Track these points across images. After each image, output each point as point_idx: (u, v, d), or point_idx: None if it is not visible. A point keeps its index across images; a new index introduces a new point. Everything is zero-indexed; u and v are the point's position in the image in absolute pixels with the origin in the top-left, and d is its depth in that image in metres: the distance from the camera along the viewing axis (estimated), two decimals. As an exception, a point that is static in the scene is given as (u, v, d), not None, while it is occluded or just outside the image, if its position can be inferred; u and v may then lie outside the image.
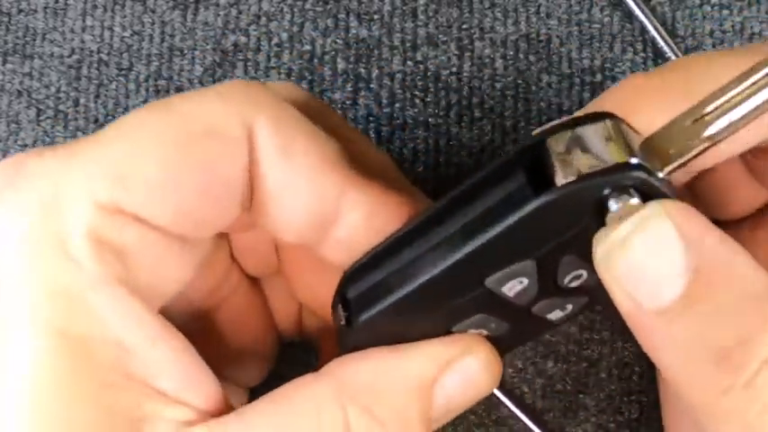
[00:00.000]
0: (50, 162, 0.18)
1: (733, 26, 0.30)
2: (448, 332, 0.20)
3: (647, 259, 0.16)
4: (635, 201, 0.16)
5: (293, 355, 0.27)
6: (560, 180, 0.16)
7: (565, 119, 0.17)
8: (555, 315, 0.21)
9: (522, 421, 0.29)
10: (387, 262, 0.19)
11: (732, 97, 0.17)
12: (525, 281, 0.19)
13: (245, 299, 0.24)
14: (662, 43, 0.30)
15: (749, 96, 0.17)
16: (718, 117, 0.17)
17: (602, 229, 0.17)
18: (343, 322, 0.20)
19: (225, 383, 0.20)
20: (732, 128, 0.17)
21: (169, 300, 0.20)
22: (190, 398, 0.18)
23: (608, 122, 0.17)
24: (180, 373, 0.18)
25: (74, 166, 0.18)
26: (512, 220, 0.17)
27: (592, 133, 0.17)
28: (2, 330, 0.17)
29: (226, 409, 0.19)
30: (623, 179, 0.16)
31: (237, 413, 0.19)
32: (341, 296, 0.20)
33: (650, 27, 0.30)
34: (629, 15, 0.31)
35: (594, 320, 0.29)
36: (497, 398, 0.29)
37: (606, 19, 0.31)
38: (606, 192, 0.17)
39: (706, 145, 0.17)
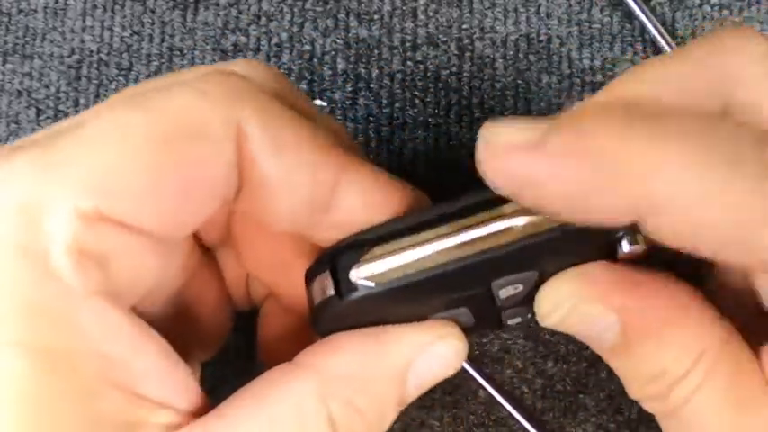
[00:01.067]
0: (25, 165, 0.17)
1: (733, 26, 0.30)
2: (424, 318, 0.21)
3: (582, 329, 0.20)
4: (642, 247, 0.18)
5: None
6: None
7: None
8: (513, 321, 0.22)
9: (521, 421, 0.29)
10: (393, 244, 0.19)
11: None
12: (520, 287, 0.20)
13: (203, 272, 0.24)
14: (662, 43, 0.30)
15: None
16: None
17: (542, 294, 0.20)
18: (331, 292, 0.19)
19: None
20: None
21: (146, 294, 0.20)
22: (173, 401, 0.18)
23: None
24: (163, 378, 0.18)
25: (50, 169, 0.17)
26: (539, 238, 0.18)
27: None
28: None
29: (206, 407, 0.19)
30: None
31: (218, 413, 0.19)
32: (330, 266, 0.19)
33: (650, 27, 0.30)
34: (629, 15, 0.31)
35: (594, 320, 0.29)
36: (492, 395, 0.29)
37: (606, 19, 0.31)
38: (621, 233, 0.18)
39: None
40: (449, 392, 0.29)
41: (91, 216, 0.17)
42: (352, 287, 0.19)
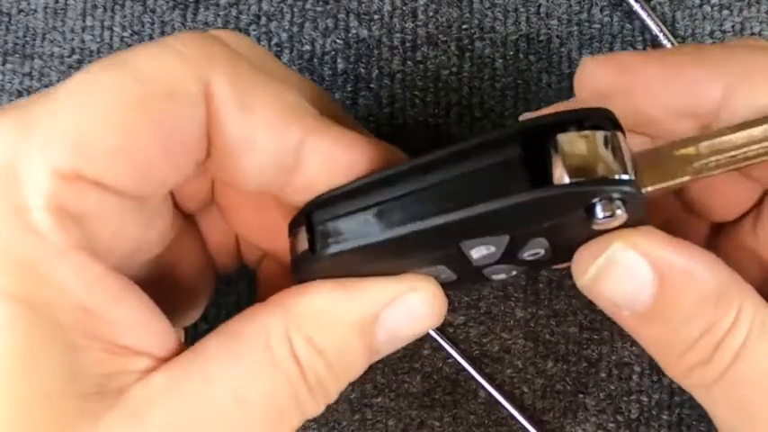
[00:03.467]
0: (3, 126, 0.18)
1: (733, 26, 0.30)
2: (402, 272, 0.21)
3: (619, 283, 0.20)
4: (620, 212, 0.18)
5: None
6: (558, 178, 0.17)
7: (569, 110, 0.18)
8: (498, 276, 0.22)
9: (521, 421, 0.29)
10: (365, 201, 0.19)
11: (724, 142, 0.19)
12: (493, 248, 0.20)
13: (184, 238, 0.24)
14: (663, 43, 0.30)
15: (741, 146, 0.19)
16: (707, 157, 0.19)
17: (580, 253, 0.20)
18: (306, 247, 0.20)
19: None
20: (718, 171, 0.19)
21: (127, 255, 0.20)
22: (150, 348, 0.19)
23: (609, 133, 0.18)
24: (140, 328, 0.19)
25: (29, 130, 0.18)
26: (503, 203, 0.18)
27: (594, 139, 0.18)
28: None
29: (181, 351, 0.20)
30: (614, 191, 0.18)
31: (192, 350, 0.19)
32: (306, 220, 0.20)
33: (651, 26, 0.30)
34: (630, 15, 0.31)
35: (594, 320, 0.29)
36: (492, 395, 0.29)
37: (606, 19, 0.31)
38: (596, 199, 0.18)
39: (689, 178, 0.19)
40: (449, 392, 0.29)
41: (68, 175, 0.17)
42: (324, 244, 0.19)
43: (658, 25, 0.30)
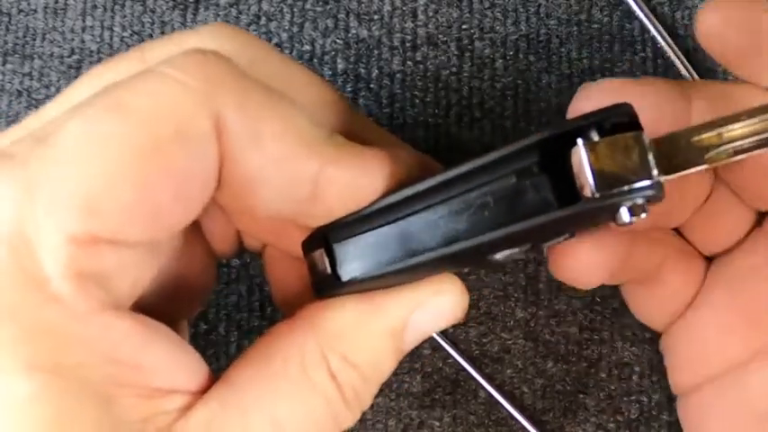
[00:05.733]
0: (5, 191, 0.17)
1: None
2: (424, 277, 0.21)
3: None
4: (644, 215, 0.18)
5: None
6: (584, 191, 0.17)
7: (588, 113, 0.18)
8: (507, 260, 0.22)
9: (521, 421, 0.29)
10: (385, 223, 0.19)
11: (739, 129, 0.18)
12: (516, 250, 0.20)
13: (188, 241, 0.23)
14: (662, 43, 0.30)
15: (756, 133, 0.18)
16: (726, 143, 0.18)
17: None
18: (328, 271, 0.19)
19: (171, 321, 0.20)
20: (737, 157, 0.18)
21: (146, 288, 0.20)
22: (183, 385, 0.19)
23: (631, 134, 0.17)
24: (171, 367, 0.19)
25: (35, 195, 0.17)
26: (530, 223, 0.18)
27: (616, 143, 0.17)
28: None
29: (211, 378, 0.19)
30: (641, 197, 0.18)
31: (226, 381, 0.19)
32: (324, 241, 0.20)
33: (650, 27, 0.30)
34: (629, 15, 0.31)
35: (594, 320, 0.29)
36: (492, 395, 0.29)
37: (606, 19, 0.31)
38: (622, 204, 0.18)
39: (706, 166, 0.18)
40: (449, 392, 0.29)
41: (83, 239, 0.17)
42: (346, 270, 0.19)
43: (656, 27, 0.30)
